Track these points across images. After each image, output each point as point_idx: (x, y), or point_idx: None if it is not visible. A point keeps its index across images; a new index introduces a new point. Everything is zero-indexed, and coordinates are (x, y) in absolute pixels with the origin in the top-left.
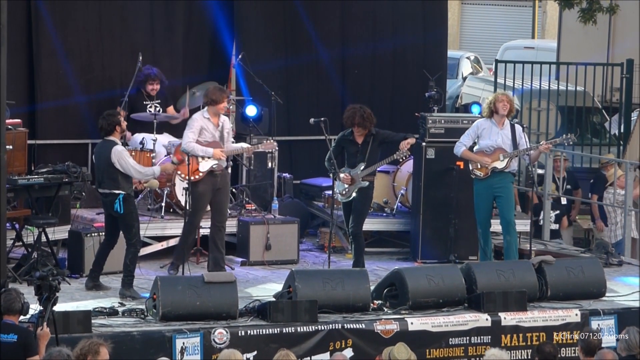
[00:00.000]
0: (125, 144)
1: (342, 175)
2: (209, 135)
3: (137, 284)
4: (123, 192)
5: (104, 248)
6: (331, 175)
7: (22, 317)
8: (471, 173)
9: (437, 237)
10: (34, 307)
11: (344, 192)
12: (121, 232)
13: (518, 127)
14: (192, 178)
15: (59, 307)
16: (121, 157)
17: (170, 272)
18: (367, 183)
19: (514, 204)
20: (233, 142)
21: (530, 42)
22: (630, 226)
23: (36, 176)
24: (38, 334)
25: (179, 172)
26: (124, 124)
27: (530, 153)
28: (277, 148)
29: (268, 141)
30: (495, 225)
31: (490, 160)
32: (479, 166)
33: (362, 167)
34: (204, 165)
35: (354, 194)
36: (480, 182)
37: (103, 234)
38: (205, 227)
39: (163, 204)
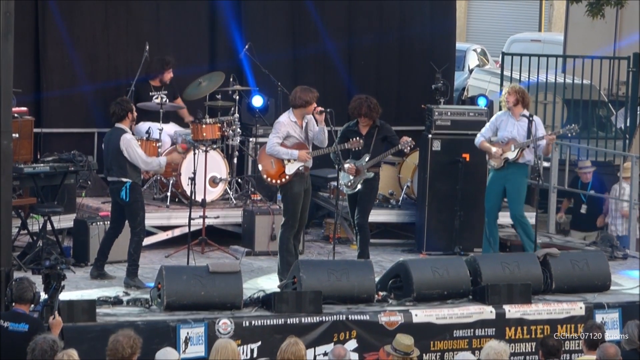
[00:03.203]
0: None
1: (347, 166)
2: (296, 138)
3: (142, 274)
4: (130, 180)
5: (109, 236)
6: (336, 166)
7: None
8: (488, 164)
9: (442, 229)
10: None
11: (349, 184)
12: (126, 221)
13: (536, 119)
14: (278, 181)
15: (63, 296)
16: (129, 145)
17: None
18: (372, 174)
19: (523, 196)
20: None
21: (537, 35)
22: (635, 220)
23: (42, 165)
24: (50, 322)
25: (265, 176)
26: (135, 113)
27: (539, 144)
28: (362, 147)
29: (355, 139)
30: (502, 218)
31: (501, 150)
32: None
33: (367, 159)
34: (291, 168)
35: (359, 186)
36: (495, 172)
37: (108, 222)
38: (209, 218)
39: (169, 194)
